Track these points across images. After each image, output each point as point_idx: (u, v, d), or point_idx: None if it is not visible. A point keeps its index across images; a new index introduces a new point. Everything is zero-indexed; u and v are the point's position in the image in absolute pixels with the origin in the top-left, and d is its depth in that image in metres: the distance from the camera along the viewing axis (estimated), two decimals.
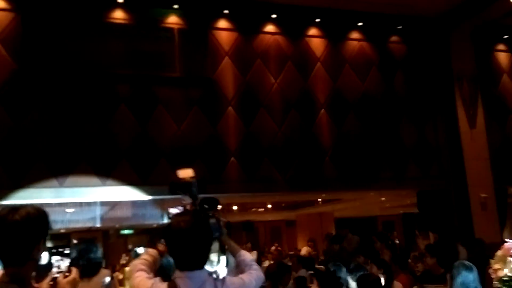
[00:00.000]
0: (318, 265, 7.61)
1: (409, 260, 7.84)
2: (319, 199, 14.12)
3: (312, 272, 6.28)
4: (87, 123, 8.07)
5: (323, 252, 10.67)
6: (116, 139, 8.21)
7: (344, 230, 9.49)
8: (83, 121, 8.05)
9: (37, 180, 7.55)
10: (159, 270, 2.54)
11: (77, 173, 7.80)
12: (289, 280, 6.37)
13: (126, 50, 8.53)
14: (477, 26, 10.39)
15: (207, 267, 2.40)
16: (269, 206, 15.76)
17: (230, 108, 9.02)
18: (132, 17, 8.68)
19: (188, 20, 9.00)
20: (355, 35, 10.19)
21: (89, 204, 9.45)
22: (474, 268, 4.36)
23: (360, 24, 10.13)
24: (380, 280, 4.79)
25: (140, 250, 8.18)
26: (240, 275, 2.55)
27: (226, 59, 9.17)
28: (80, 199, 8.35)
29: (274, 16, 9.55)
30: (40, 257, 1.93)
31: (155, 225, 14.01)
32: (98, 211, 11.30)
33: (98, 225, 13.07)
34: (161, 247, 2.57)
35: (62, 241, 14.88)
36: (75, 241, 14.37)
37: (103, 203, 9.77)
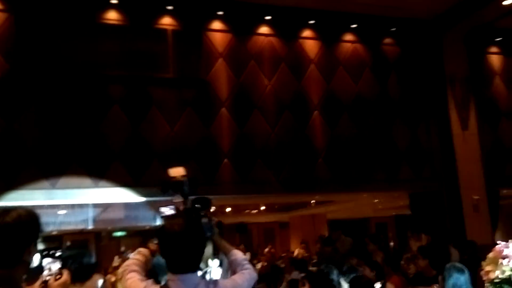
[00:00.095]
0: (311, 267, 7.62)
1: (402, 262, 7.85)
2: (312, 201, 14.12)
3: (303, 274, 6.27)
4: (80, 124, 8.02)
5: (316, 254, 10.68)
6: (109, 140, 8.16)
7: (337, 232, 9.52)
8: (76, 122, 8.00)
9: (28, 182, 7.45)
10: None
11: (69, 174, 7.73)
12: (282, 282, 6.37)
13: (120, 51, 8.50)
14: (470, 28, 10.44)
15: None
16: (263, 207, 15.73)
17: (223, 109, 9.01)
18: (125, 18, 8.65)
19: (182, 21, 8.98)
20: (348, 37, 10.21)
21: (81, 206, 9.40)
22: (466, 270, 4.38)
23: (353, 26, 10.15)
24: (372, 282, 4.80)
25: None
26: (232, 276, 2.54)
27: (220, 60, 9.16)
28: (72, 201, 8.28)
29: (268, 17, 9.54)
30: (31, 259, 1.92)
31: (147, 227, 13.94)
32: (90, 213, 11.25)
33: (90, 227, 12.98)
34: (153, 246, 2.55)
35: (54, 243, 14.76)
36: (68, 243, 14.33)
37: (95, 205, 9.71)
